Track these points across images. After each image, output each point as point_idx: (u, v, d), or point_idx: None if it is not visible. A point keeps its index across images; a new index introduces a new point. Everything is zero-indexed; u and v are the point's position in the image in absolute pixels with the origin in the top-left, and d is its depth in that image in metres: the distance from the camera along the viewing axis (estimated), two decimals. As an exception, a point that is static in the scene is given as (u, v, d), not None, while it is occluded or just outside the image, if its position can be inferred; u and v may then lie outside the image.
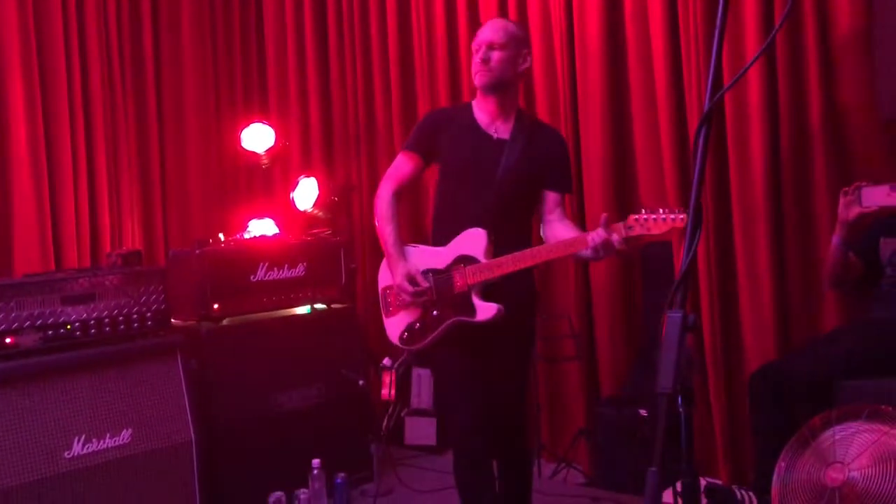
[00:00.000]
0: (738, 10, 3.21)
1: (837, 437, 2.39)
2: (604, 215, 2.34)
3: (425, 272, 2.57)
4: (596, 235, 2.32)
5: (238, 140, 4.26)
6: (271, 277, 3.53)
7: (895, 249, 2.95)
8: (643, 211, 2.30)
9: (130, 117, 4.57)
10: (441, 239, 2.60)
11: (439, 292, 2.54)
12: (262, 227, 4.02)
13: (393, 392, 3.75)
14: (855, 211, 2.84)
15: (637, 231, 2.29)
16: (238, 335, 3.38)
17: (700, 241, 2.64)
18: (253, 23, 5.02)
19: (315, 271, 3.67)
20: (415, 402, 3.89)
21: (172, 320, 3.22)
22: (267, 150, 4.21)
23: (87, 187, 4.28)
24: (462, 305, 2.50)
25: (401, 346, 2.65)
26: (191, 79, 4.85)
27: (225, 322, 3.38)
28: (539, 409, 3.79)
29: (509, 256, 2.45)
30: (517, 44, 2.57)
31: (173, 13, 4.80)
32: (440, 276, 2.55)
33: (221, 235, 3.66)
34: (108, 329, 2.96)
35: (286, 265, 3.59)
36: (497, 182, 2.53)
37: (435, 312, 2.56)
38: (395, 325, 2.65)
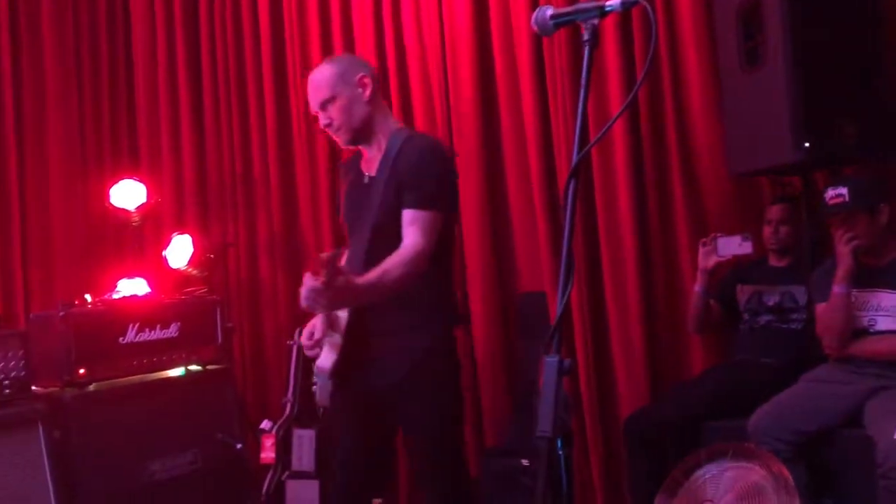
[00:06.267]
0: (601, 68, 3.42)
1: (708, 476, 2.52)
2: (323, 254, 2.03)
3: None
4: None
5: (107, 196, 4.10)
6: (142, 339, 3.38)
7: (751, 295, 3.17)
8: None
9: (-13, 172, 4.32)
10: None
11: None
12: (132, 287, 3.85)
13: (273, 455, 3.65)
14: (713, 260, 3.07)
15: None
16: (106, 401, 3.19)
17: (573, 289, 2.75)
18: (123, 72, 4.83)
19: (189, 331, 3.54)
20: (296, 464, 3.78)
21: (33, 388, 3.01)
22: (138, 207, 4.06)
23: (-63, 246, 4.00)
24: None
25: None
26: (55, 131, 4.62)
27: (91, 388, 3.19)
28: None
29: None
30: (344, 82, 2.28)
31: (36, 61, 4.57)
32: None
33: (88, 296, 3.48)
34: (-42, 400, 2.75)
35: (158, 325, 3.44)
36: (369, 225, 2.27)
37: None
38: None
